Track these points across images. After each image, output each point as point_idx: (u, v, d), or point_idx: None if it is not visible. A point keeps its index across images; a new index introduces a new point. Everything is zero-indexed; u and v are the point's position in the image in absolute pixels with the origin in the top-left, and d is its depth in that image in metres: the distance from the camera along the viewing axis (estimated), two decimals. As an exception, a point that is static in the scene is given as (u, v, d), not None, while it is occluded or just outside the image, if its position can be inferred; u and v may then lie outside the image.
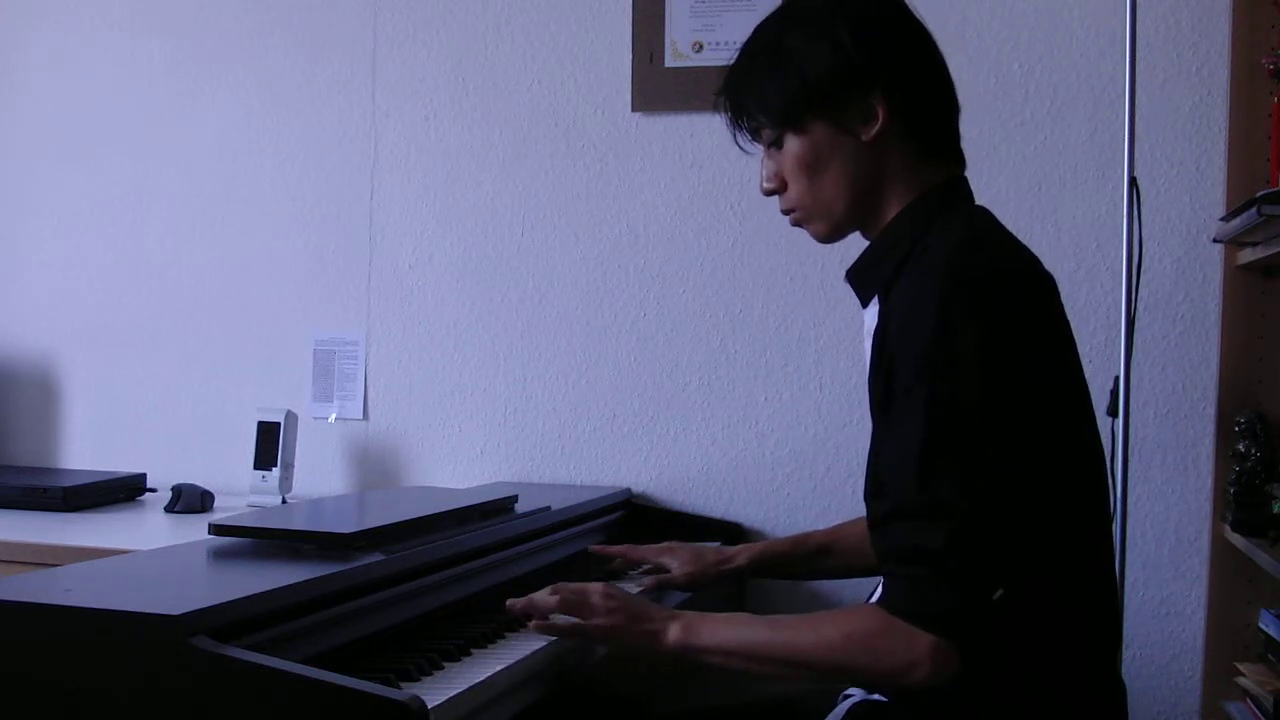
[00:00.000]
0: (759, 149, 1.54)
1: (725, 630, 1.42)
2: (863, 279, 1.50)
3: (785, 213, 1.52)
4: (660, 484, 2.54)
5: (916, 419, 1.29)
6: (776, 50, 1.46)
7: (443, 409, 2.67)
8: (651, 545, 1.92)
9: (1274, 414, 2.22)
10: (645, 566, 1.93)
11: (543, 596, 1.52)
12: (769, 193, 1.52)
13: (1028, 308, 1.35)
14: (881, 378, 1.37)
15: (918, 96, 1.45)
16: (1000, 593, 1.27)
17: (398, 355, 2.70)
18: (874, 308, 1.47)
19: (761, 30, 1.50)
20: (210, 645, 1.18)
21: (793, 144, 1.46)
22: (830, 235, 1.51)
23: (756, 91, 1.48)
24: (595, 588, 1.51)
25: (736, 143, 1.54)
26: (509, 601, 1.54)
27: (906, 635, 1.28)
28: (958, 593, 1.27)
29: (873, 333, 1.44)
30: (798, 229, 1.55)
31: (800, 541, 1.92)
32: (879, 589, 1.41)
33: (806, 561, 1.88)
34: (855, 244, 1.55)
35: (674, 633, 1.43)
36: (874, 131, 1.42)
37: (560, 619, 1.50)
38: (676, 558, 1.86)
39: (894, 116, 1.42)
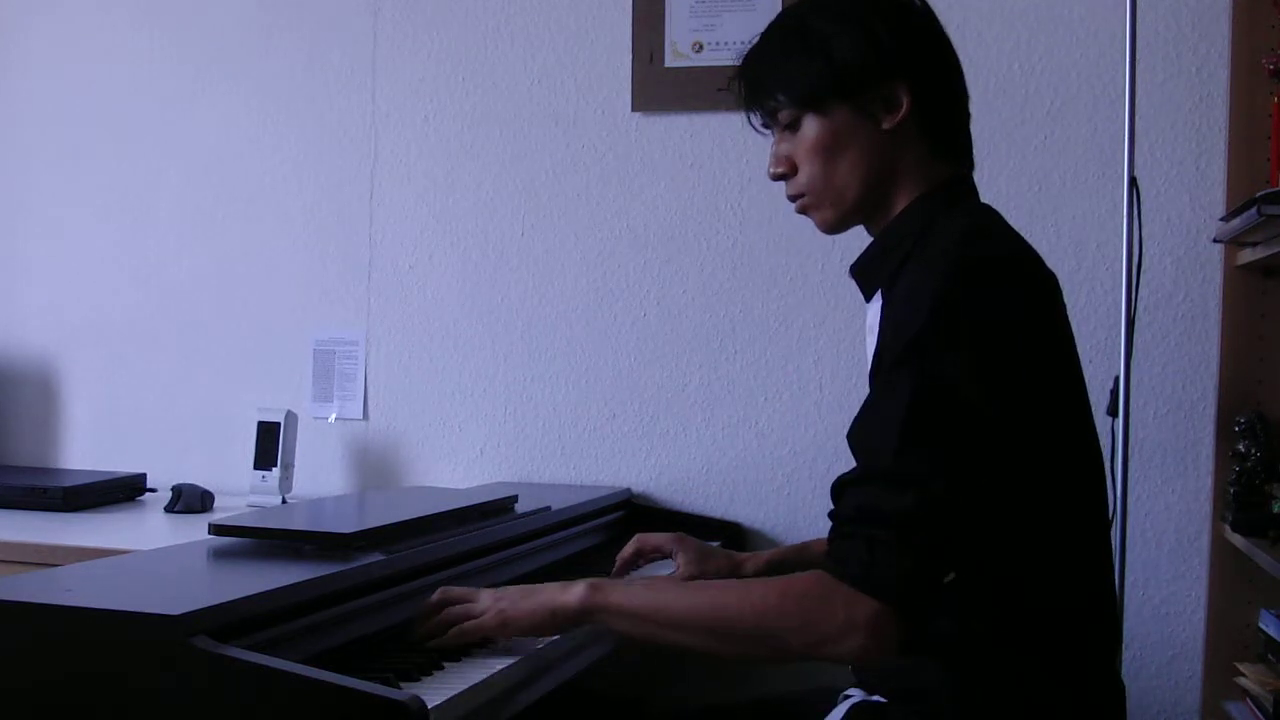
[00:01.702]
0: (769, 138, 1.52)
1: (640, 593, 1.40)
2: (867, 274, 1.49)
3: (792, 198, 1.50)
4: (660, 484, 2.54)
5: (903, 391, 1.28)
6: (805, 32, 1.45)
7: (443, 409, 2.67)
8: (663, 534, 1.88)
9: (1274, 414, 2.22)
10: (654, 559, 1.90)
11: (426, 603, 1.48)
12: (777, 177, 1.50)
13: (1027, 301, 1.34)
14: (877, 356, 1.37)
15: (938, 92, 1.45)
16: (951, 576, 1.25)
17: (398, 355, 2.70)
18: (876, 302, 1.47)
19: (788, 14, 1.50)
20: (210, 645, 1.18)
21: (811, 126, 1.45)
22: (836, 224, 1.49)
23: (780, 71, 1.46)
24: (482, 590, 1.48)
25: (750, 123, 1.52)
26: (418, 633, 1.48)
27: (847, 599, 1.25)
28: (912, 561, 1.24)
29: (875, 327, 1.44)
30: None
31: (804, 550, 1.88)
32: None
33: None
34: (857, 242, 1.54)
35: (577, 592, 1.40)
36: (896, 120, 1.42)
37: (445, 637, 1.45)
38: (685, 553, 1.83)
39: (916, 108, 1.42)
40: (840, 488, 1.35)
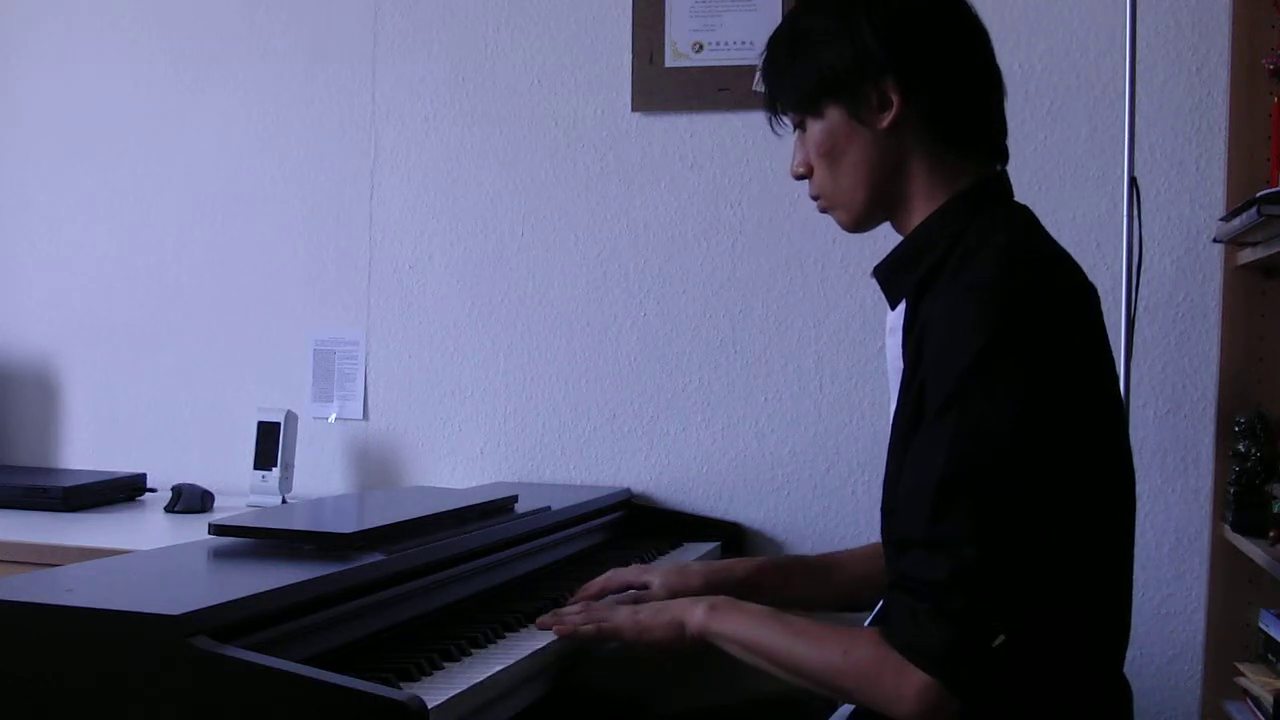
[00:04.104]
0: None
1: (745, 624, 1.43)
2: (892, 278, 1.45)
3: (813, 198, 1.50)
4: (660, 484, 2.54)
5: (942, 445, 1.25)
6: (796, 35, 1.46)
7: (443, 409, 2.67)
8: (632, 569, 1.77)
9: (1274, 414, 2.22)
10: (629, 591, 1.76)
11: (569, 610, 1.59)
12: (798, 177, 1.50)
13: (1071, 328, 1.31)
14: (913, 393, 1.32)
15: (941, 87, 1.41)
16: (1001, 639, 1.21)
17: (398, 355, 2.70)
18: (900, 307, 1.43)
19: (785, 19, 1.51)
20: (210, 645, 1.17)
21: (813, 129, 1.45)
22: (854, 225, 1.48)
23: (779, 78, 1.47)
24: (624, 599, 1.59)
25: (770, 126, 1.53)
26: (540, 619, 1.59)
27: (898, 668, 1.25)
28: (954, 632, 1.22)
29: (898, 331, 1.41)
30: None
31: (802, 560, 1.82)
32: (878, 607, 1.39)
33: (807, 582, 1.75)
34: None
35: (699, 614, 1.46)
36: (889, 120, 1.40)
37: (585, 626, 1.54)
38: (658, 576, 1.72)
39: (913, 106, 1.39)
40: (890, 544, 1.35)
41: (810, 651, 1.35)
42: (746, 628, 1.43)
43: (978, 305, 1.27)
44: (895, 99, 1.39)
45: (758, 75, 1.54)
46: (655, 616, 1.49)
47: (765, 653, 1.40)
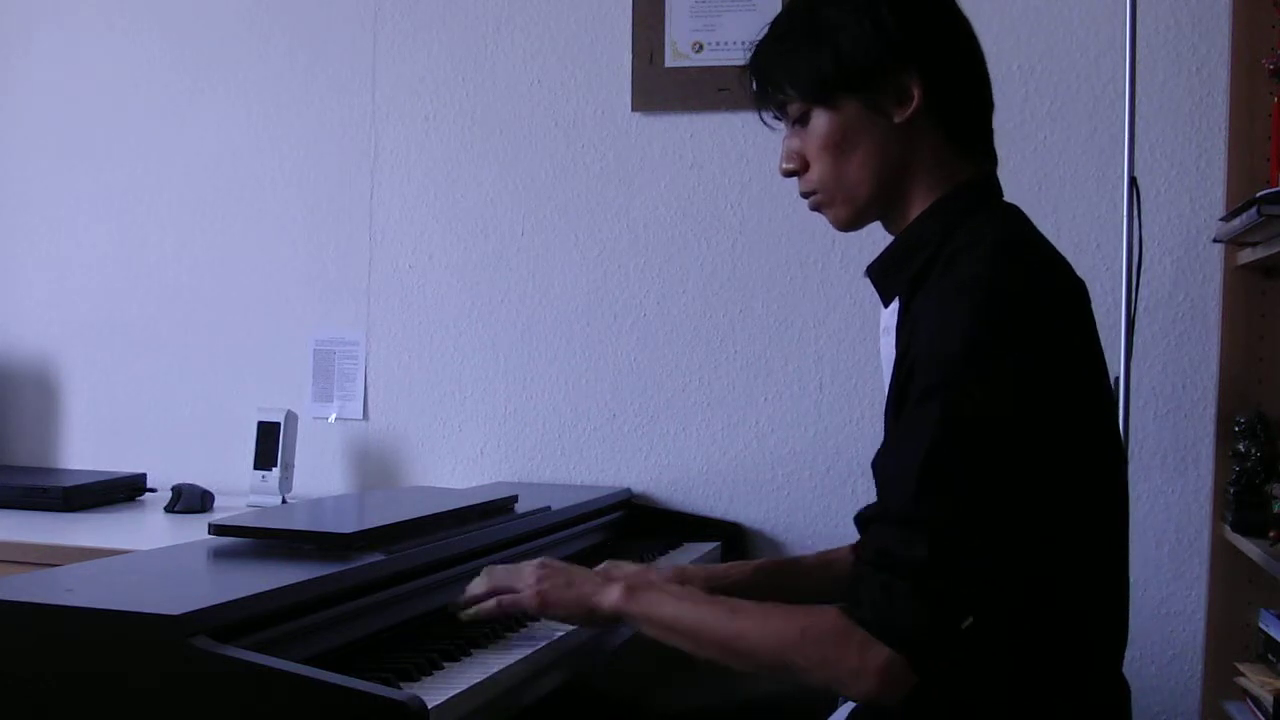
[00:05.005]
0: (773, 136, 1.49)
1: (669, 603, 1.40)
2: (885, 277, 1.44)
3: (805, 195, 1.46)
4: (660, 484, 2.55)
5: (926, 428, 1.24)
6: (812, 23, 1.42)
7: (443, 409, 2.67)
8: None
9: (1274, 414, 2.22)
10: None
11: (475, 583, 1.54)
12: (788, 173, 1.46)
13: (1059, 328, 1.30)
14: (899, 385, 1.32)
15: (954, 83, 1.40)
16: (969, 621, 1.22)
17: (398, 355, 2.70)
18: (894, 306, 1.42)
19: (797, 2, 1.46)
20: (210, 645, 1.18)
21: (821, 121, 1.41)
22: (851, 222, 1.45)
23: (788, 63, 1.42)
24: (529, 562, 1.52)
25: (761, 118, 1.49)
26: (449, 606, 1.55)
27: (862, 644, 1.23)
28: (928, 611, 1.21)
29: (892, 330, 1.41)
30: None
31: (797, 561, 1.80)
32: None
33: (803, 582, 1.72)
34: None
35: (613, 595, 1.42)
36: (908, 113, 1.38)
37: (487, 602, 1.51)
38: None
39: (929, 100, 1.38)
40: (864, 523, 1.33)
41: (753, 627, 1.32)
42: (671, 608, 1.39)
43: (969, 300, 1.27)
44: (916, 93, 1.37)
45: (751, 57, 1.46)
46: (562, 593, 1.46)
47: (694, 633, 1.36)
